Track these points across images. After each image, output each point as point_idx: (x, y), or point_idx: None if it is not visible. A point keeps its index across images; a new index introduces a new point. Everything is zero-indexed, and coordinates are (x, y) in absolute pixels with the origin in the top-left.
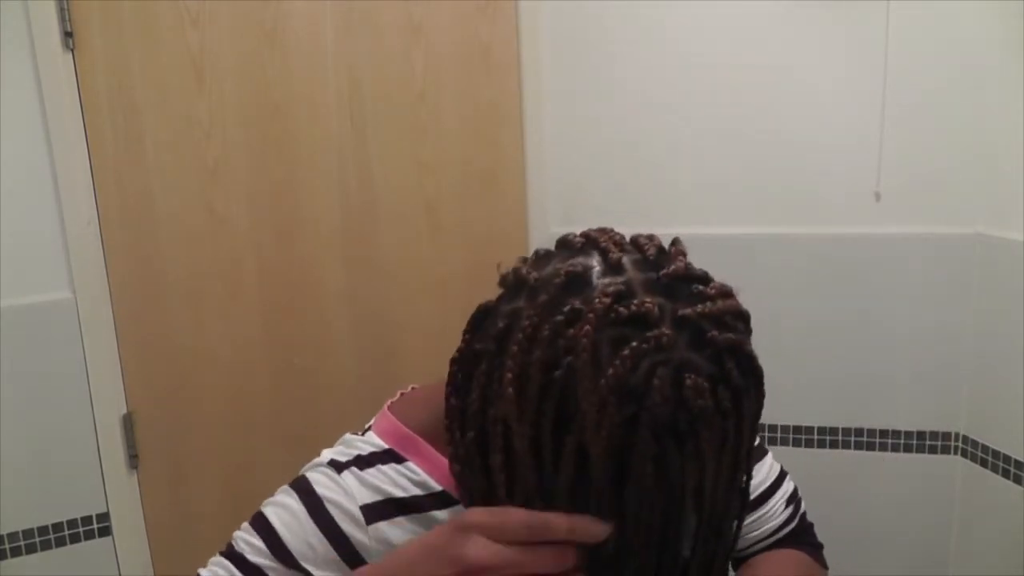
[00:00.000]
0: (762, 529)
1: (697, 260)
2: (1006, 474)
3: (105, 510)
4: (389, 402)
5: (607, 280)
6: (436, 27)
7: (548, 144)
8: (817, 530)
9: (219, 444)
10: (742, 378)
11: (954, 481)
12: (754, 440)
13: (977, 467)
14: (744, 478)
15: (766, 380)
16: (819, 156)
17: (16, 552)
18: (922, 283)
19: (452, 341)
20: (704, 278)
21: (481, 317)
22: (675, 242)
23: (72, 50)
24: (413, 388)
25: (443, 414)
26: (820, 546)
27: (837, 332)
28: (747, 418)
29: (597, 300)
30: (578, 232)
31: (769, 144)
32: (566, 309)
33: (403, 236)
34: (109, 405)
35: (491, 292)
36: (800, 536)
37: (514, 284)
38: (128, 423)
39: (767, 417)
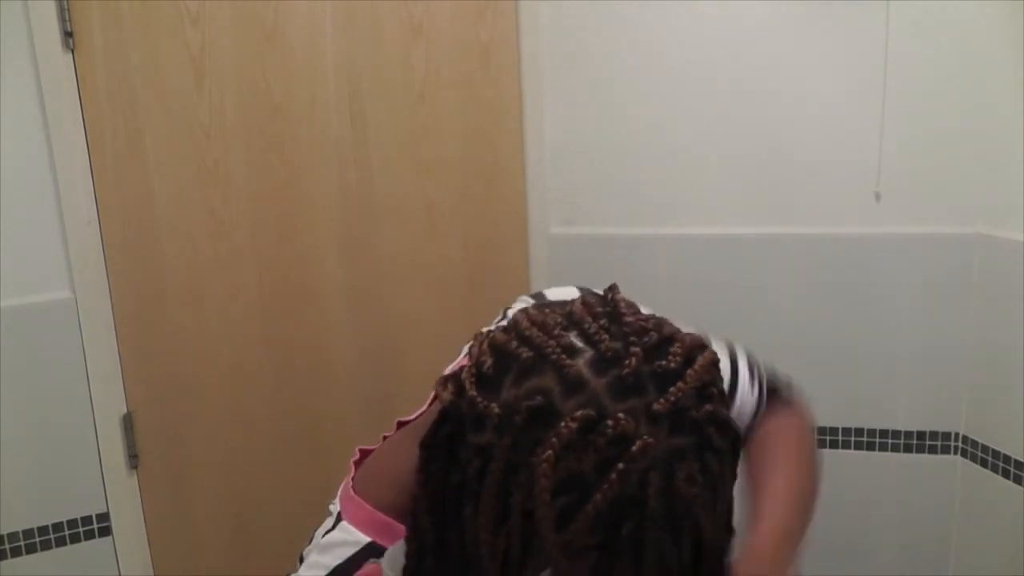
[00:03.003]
0: (743, 418)
1: (698, 260)
2: (1006, 474)
3: (105, 510)
4: (351, 479)
5: (572, 403)
6: (436, 27)
7: (548, 144)
8: (818, 529)
9: (219, 444)
10: (722, 440)
11: (954, 481)
12: (732, 487)
13: (977, 467)
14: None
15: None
16: (819, 156)
17: (16, 552)
18: (922, 283)
19: (452, 340)
20: (665, 343)
21: (446, 445)
22: (615, 302)
23: (72, 50)
24: (364, 452)
25: (406, 488)
26: (791, 386)
27: (837, 332)
28: (728, 474)
29: (564, 430)
30: (515, 332)
31: (769, 144)
32: (539, 452)
33: (403, 236)
34: (109, 405)
35: (490, 292)
36: (773, 395)
37: (473, 417)
38: (128, 423)
39: None
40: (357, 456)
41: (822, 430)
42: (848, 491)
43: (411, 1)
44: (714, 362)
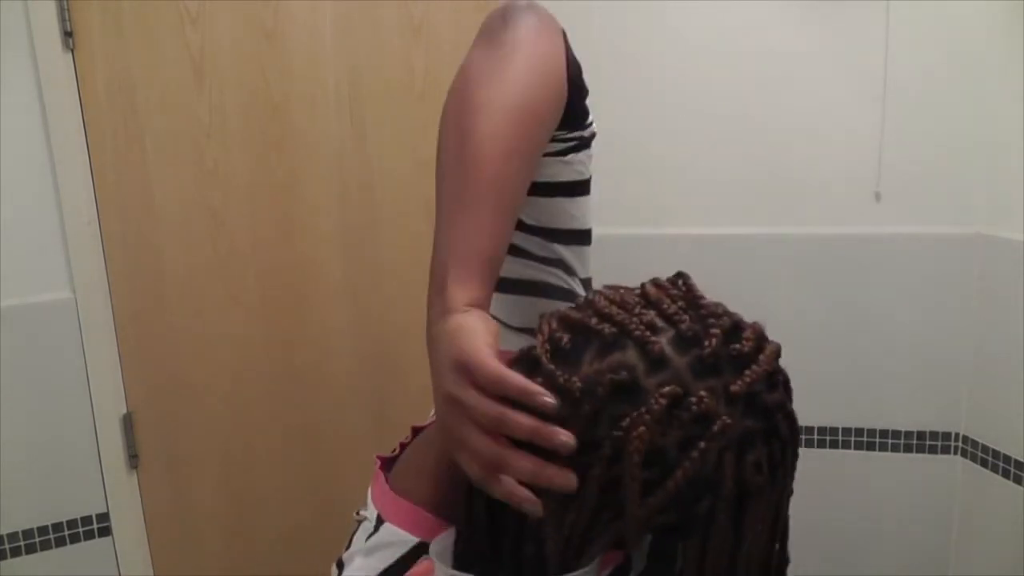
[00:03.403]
0: None
1: (697, 260)
2: (1006, 474)
3: (105, 510)
4: (384, 482)
5: (656, 380)
6: (436, 27)
7: None
8: (819, 529)
9: (219, 443)
10: (787, 431)
11: (954, 481)
12: (791, 483)
13: (977, 467)
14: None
15: None
16: (819, 156)
17: (16, 552)
18: (922, 283)
19: None
20: (736, 329)
21: None
22: (688, 285)
23: (72, 50)
24: (384, 459)
25: (447, 482)
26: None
27: (837, 332)
28: (790, 466)
29: (655, 405)
30: (591, 310)
31: (769, 144)
32: (624, 424)
33: (403, 235)
34: (109, 405)
35: None
36: None
37: (552, 390)
38: (128, 423)
39: None
40: (379, 463)
41: (822, 430)
42: (848, 491)
43: (411, 1)
44: (778, 352)
